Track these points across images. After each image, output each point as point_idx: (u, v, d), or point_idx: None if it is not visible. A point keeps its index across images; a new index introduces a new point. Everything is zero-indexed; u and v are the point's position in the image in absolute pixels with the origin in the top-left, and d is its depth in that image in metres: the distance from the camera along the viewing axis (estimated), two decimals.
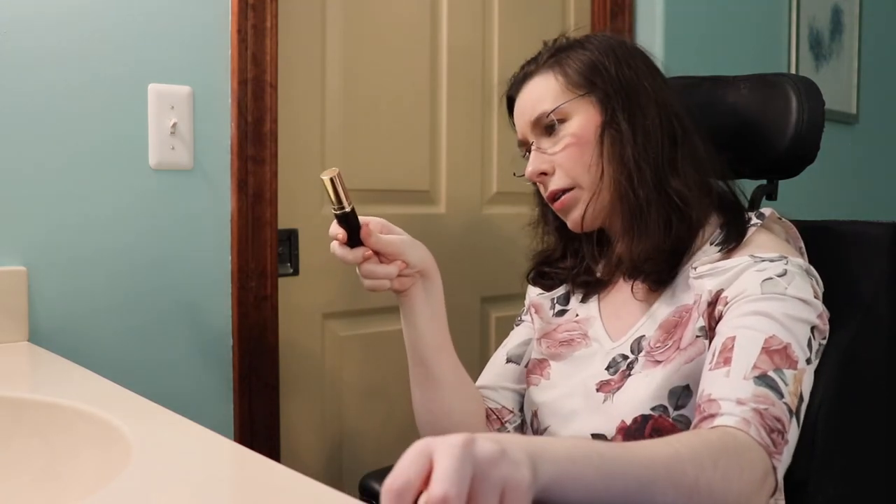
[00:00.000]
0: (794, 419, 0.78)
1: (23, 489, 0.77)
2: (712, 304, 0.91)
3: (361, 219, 0.95)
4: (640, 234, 0.97)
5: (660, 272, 0.97)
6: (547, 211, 1.09)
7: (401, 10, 1.64)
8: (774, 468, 0.75)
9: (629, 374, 0.95)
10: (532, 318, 1.14)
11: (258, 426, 1.40)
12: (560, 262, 1.11)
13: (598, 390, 0.97)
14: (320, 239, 1.47)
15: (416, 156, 1.68)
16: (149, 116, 1.27)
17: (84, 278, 1.23)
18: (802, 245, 1.01)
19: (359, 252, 0.95)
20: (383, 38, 1.61)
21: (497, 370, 1.14)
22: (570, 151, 0.99)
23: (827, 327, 0.89)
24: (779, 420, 0.77)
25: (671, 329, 0.95)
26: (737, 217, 0.99)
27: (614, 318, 1.03)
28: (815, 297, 0.88)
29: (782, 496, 0.94)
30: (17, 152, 1.17)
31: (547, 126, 1.01)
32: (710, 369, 0.83)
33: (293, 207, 1.48)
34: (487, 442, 0.52)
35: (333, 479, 1.56)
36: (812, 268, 0.92)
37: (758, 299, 0.86)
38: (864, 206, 2.65)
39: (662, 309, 0.97)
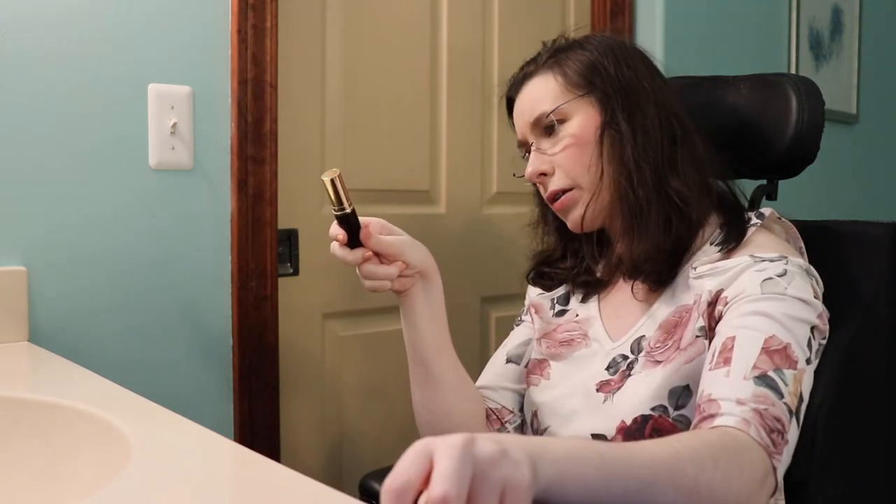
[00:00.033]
0: (793, 419, 0.78)
1: (23, 489, 0.77)
2: (712, 304, 0.91)
3: (362, 219, 0.95)
4: (640, 234, 0.97)
5: (660, 272, 0.97)
6: (547, 211, 1.09)
7: (401, 10, 1.64)
8: (774, 468, 0.75)
9: (629, 375, 0.95)
10: (532, 319, 1.14)
11: (258, 426, 1.40)
12: (560, 262, 1.11)
13: (598, 390, 0.97)
14: (320, 239, 1.47)
15: (416, 156, 1.68)
16: (149, 116, 1.27)
17: (84, 278, 1.23)
18: (802, 245, 1.01)
19: (359, 253, 0.95)
20: (383, 38, 1.61)
21: (497, 370, 1.14)
22: (569, 152, 0.99)
23: (827, 327, 0.89)
24: (779, 420, 0.77)
25: (671, 329, 0.95)
26: (737, 217, 0.99)
27: (614, 319, 1.03)
28: (815, 297, 0.88)
29: (782, 496, 0.94)
30: (17, 152, 1.17)
31: (546, 126, 1.01)
32: (709, 369, 0.83)
33: (293, 207, 1.48)
34: (488, 442, 0.52)
35: (333, 479, 1.56)
36: (812, 268, 0.92)
37: (758, 299, 0.86)
38: (864, 206, 2.65)
39: (662, 309, 0.97)
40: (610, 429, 0.94)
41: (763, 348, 0.81)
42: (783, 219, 1.02)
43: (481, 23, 1.77)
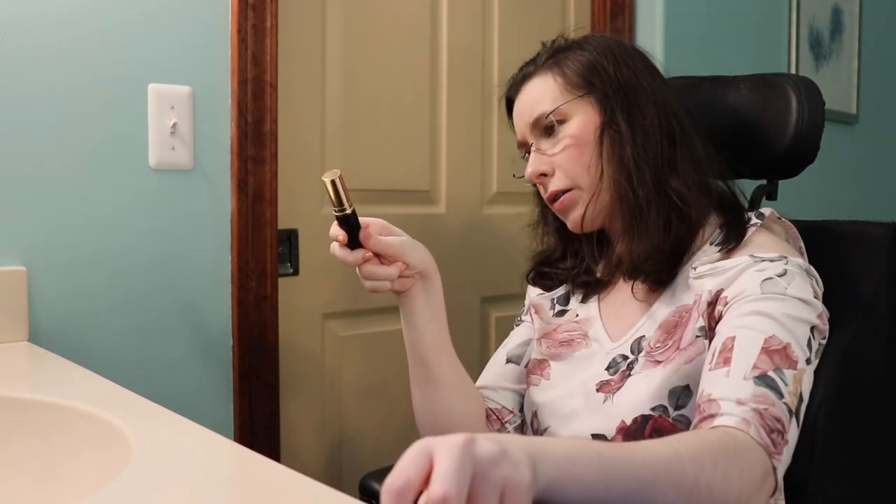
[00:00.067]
0: (793, 419, 0.78)
1: (23, 489, 0.77)
2: (712, 304, 0.91)
3: (362, 220, 0.95)
4: (639, 234, 0.97)
5: (660, 272, 0.97)
6: (547, 212, 1.09)
7: (401, 10, 1.64)
8: (774, 468, 0.75)
9: (629, 375, 0.95)
10: (532, 319, 1.14)
11: (258, 426, 1.40)
12: (560, 262, 1.11)
13: (598, 390, 0.97)
14: (320, 239, 1.47)
15: (416, 156, 1.68)
16: (149, 116, 1.27)
17: (84, 278, 1.23)
18: (802, 245, 1.01)
19: (359, 254, 0.95)
20: (383, 38, 1.61)
21: (497, 370, 1.14)
22: (569, 152, 0.99)
23: (827, 327, 0.89)
24: (779, 420, 0.77)
25: (671, 329, 0.95)
26: (736, 217, 0.99)
27: (614, 319, 1.03)
28: (815, 297, 0.88)
29: (782, 496, 0.94)
30: (18, 152, 1.17)
31: (546, 127, 1.01)
32: (709, 369, 0.83)
33: (293, 207, 1.48)
34: (488, 442, 0.52)
35: (333, 479, 1.56)
36: (812, 268, 0.92)
37: (758, 299, 0.86)
38: (864, 206, 2.65)
39: (662, 309, 0.97)
40: (610, 429, 0.94)
41: (763, 348, 0.81)
42: (783, 219, 1.02)
43: (481, 23, 1.77)
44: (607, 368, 0.98)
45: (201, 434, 0.73)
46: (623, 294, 1.03)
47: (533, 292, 1.16)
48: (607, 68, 1.00)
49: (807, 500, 1.03)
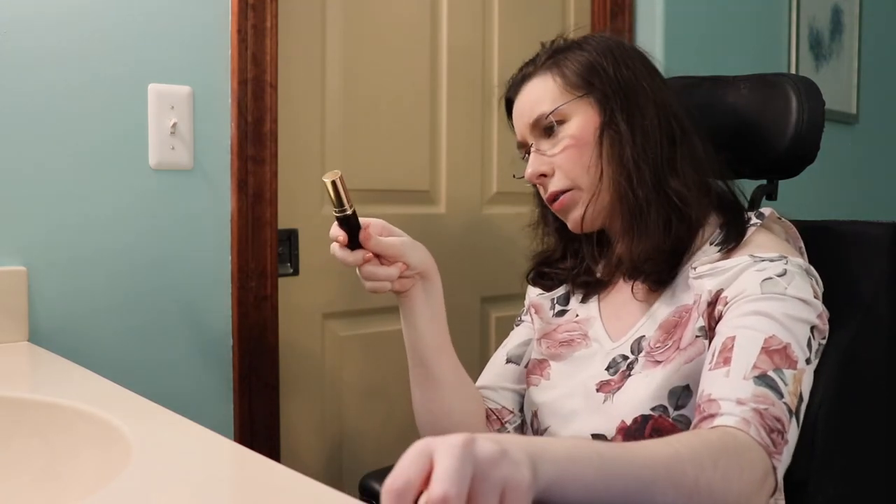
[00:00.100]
0: (793, 419, 0.78)
1: (23, 489, 0.77)
2: (712, 304, 0.91)
3: (362, 220, 0.95)
4: (639, 234, 0.97)
5: (660, 272, 0.97)
6: (547, 212, 1.09)
7: (401, 10, 1.64)
8: (774, 468, 0.75)
9: (629, 375, 0.95)
10: (532, 319, 1.14)
11: (258, 426, 1.40)
12: (560, 262, 1.11)
13: (598, 390, 0.97)
14: (320, 239, 1.47)
15: (416, 156, 1.68)
16: (149, 116, 1.27)
17: (84, 278, 1.23)
18: (802, 245, 1.01)
19: (359, 254, 0.95)
20: (383, 38, 1.61)
21: (497, 370, 1.14)
22: (569, 153, 0.99)
23: (827, 327, 0.89)
24: (779, 420, 0.77)
25: (671, 329, 0.95)
26: (736, 217, 0.99)
27: (614, 319, 1.03)
28: (815, 297, 0.88)
29: (782, 496, 0.94)
30: (18, 152, 1.17)
31: (546, 128, 1.01)
32: (709, 369, 0.83)
33: (293, 207, 1.48)
34: (488, 442, 0.52)
35: (333, 479, 1.56)
36: (812, 268, 0.92)
37: (757, 299, 0.86)
38: (864, 206, 2.65)
39: (662, 309, 0.97)
40: (610, 429, 0.94)
41: (763, 348, 0.81)
42: (783, 219, 1.02)
43: (481, 23, 1.77)
44: (607, 368, 0.98)
45: (201, 434, 0.73)
46: (623, 294, 1.03)
47: (533, 292, 1.16)
48: (607, 68, 1.00)
49: (807, 500, 1.03)
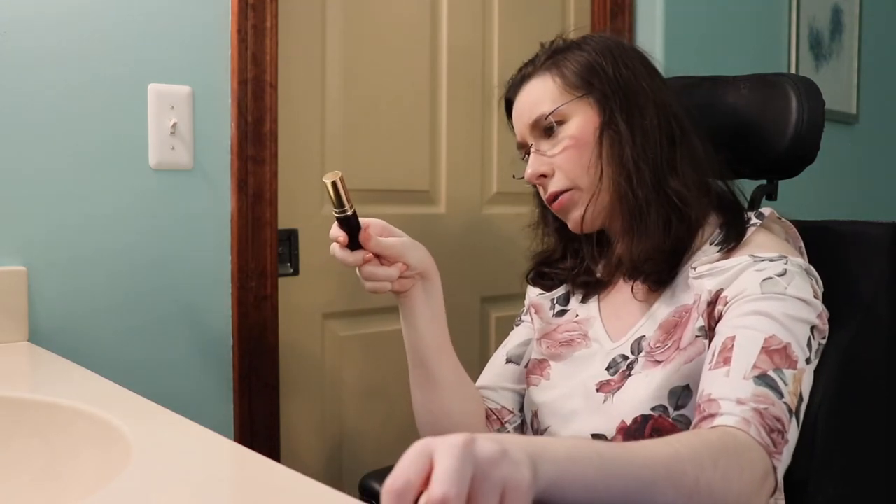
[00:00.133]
0: (793, 419, 0.78)
1: (23, 489, 0.77)
2: (712, 303, 0.91)
3: (362, 221, 0.95)
4: (639, 234, 0.97)
5: (660, 272, 0.97)
6: (546, 212, 1.09)
7: (401, 10, 1.64)
8: (774, 468, 0.75)
9: (629, 375, 0.95)
10: (532, 319, 1.14)
11: (258, 426, 1.40)
12: (560, 262, 1.11)
13: (598, 390, 0.97)
14: (320, 239, 1.47)
15: (416, 156, 1.68)
16: (149, 116, 1.27)
17: (84, 278, 1.23)
18: (802, 245, 1.01)
19: (359, 255, 0.95)
20: (383, 38, 1.61)
21: (497, 370, 1.14)
22: (569, 153, 0.99)
23: (826, 327, 0.89)
24: (779, 420, 0.77)
25: (671, 329, 0.95)
26: (736, 217, 0.99)
27: (614, 319, 1.03)
28: (815, 297, 0.88)
29: (782, 496, 0.94)
30: (18, 152, 1.17)
31: (546, 128, 1.01)
32: (709, 369, 0.83)
33: (293, 207, 1.48)
34: (488, 442, 0.52)
35: (333, 479, 1.56)
36: (812, 267, 0.92)
37: (757, 299, 0.86)
38: (864, 206, 2.65)
39: (662, 309, 0.97)
40: (610, 429, 0.94)
41: (763, 348, 0.81)
42: (783, 219, 1.02)
43: (481, 23, 1.77)
44: (607, 368, 0.98)
45: (201, 434, 0.73)
46: (623, 294, 1.03)
47: (533, 292, 1.16)
48: (606, 69, 1.00)
49: (807, 500, 1.03)
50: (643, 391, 0.92)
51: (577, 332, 1.06)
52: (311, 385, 1.53)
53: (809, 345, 0.84)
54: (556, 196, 1.01)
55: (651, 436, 0.90)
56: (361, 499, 1.18)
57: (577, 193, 1.00)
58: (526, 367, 1.12)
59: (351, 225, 0.94)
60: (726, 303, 0.89)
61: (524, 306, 1.17)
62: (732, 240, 0.96)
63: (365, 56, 1.58)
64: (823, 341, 0.89)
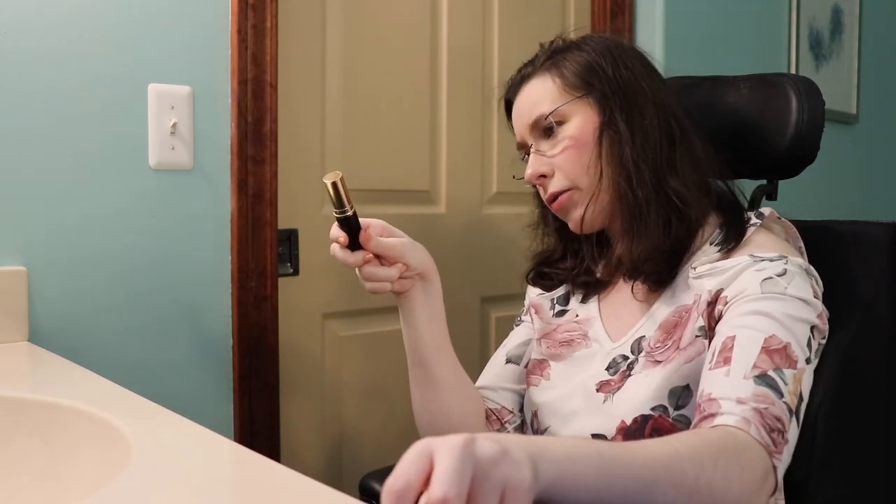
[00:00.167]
0: (793, 419, 0.78)
1: (23, 489, 0.77)
2: (712, 303, 0.91)
3: (362, 221, 0.95)
4: (639, 234, 0.97)
5: (660, 272, 0.97)
6: (547, 212, 1.09)
7: (401, 10, 1.64)
8: (775, 467, 0.75)
9: (629, 375, 0.95)
10: (532, 319, 1.14)
11: (258, 426, 1.40)
12: (560, 262, 1.11)
13: (598, 390, 0.97)
14: (320, 239, 1.47)
15: (416, 156, 1.68)
16: (149, 116, 1.27)
17: (84, 278, 1.23)
18: (802, 245, 1.01)
19: (359, 255, 0.95)
20: (383, 38, 1.61)
21: (497, 370, 1.14)
22: (568, 154, 0.99)
23: (826, 327, 0.89)
24: (779, 419, 0.77)
25: (671, 329, 0.95)
26: (736, 217, 0.99)
27: (614, 319, 1.03)
28: (815, 297, 0.88)
29: (782, 496, 0.94)
30: (17, 152, 1.17)
31: (545, 128, 1.01)
32: (709, 369, 0.83)
33: (293, 207, 1.48)
34: (488, 442, 0.52)
35: (333, 479, 1.56)
36: (812, 267, 0.92)
37: (757, 299, 0.86)
38: (864, 206, 2.65)
39: (662, 309, 0.97)
40: (610, 429, 0.94)
41: (763, 348, 0.81)
42: (783, 219, 1.02)
43: (481, 23, 1.77)
44: (607, 368, 0.98)
45: (201, 434, 0.73)
46: (623, 294, 1.03)
47: (533, 292, 1.16)
48: (606, 69, 1.00)
49: (807, 499, 1.03)
50: (643, 391, 0.92)
51: (577, 332, 1.06)
52: (311, 385, 1.53)
53: (809, 345, 0.84)
54: (555, 196, 1.01)
55: (651, 436, 0.90)
56: (361, 499, 1.18)
57: (576, 193, 1.00)
58: (526, 367, 1.12)
59: (351, 225, 0.94)
60: (726, 303, 0.89)
61: (524, 306, 1.17)
62: (732, 240, 0.96)
63: (365, 56, 1.58)
64: (823, 341, 0.89)
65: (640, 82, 1.00)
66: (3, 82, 1.15)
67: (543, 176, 1.01)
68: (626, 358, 0.97)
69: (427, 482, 0.50)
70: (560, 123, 1.00)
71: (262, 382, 1.41)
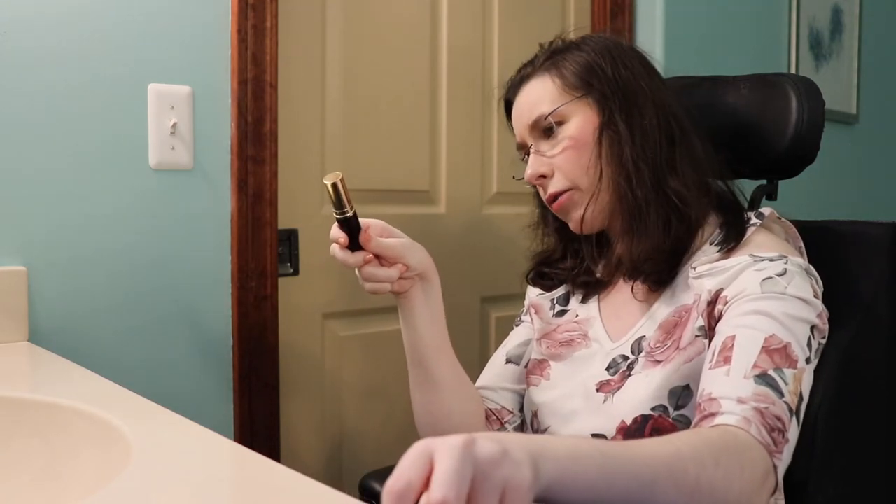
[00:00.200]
0: (794, 418, 0.78)
1: (23, 489, 0.77)
2: (712, 303, 0.91)
3: (362, 222, 0.95)
4: (639, 234, 0.97)
5: (660, 272, 0.97)
6: (547, 212, 1.09)
7: (401, 10, 1.64)
8: (775, 467, 0.75)
9: (629, 375, 0.95)
10: (532, 319, 1.14)
11: (258, 426, 1.40)
12: (560, 262, 1.11)
13: (598, 390, 0.97)
14: (320, 239, 1.47)
15: (416, 156, 1.68)
16: (149, 116, 1.27)
17: (84, 278, 1.23)
18: (802, 245, 1.01)
19: (359, 256, 0.95)
20: (383, 38, 1.61)
21: (496, 371, 1.14)
22: (568, 154, 0.99)
23: (826, 327, 0.89)
24: (779, 419, 0.77)
25: (671, 329, 0.95)
26: (736, 217, 0.99)
27: (614, 319, 1.03)
28: (815, 297, 0.88)
29: (782, 496, 0.94)
30: (18, 152, 1.17)
31: (545, 129, 1.01)
32: (710, 368, 0.83)
33: (293, 207, 1.48)
34: (488, 442, 0.52)
35: (333, 479, 1.56)
36: (811, 267, 0.92)
37: (757, 298, 0.86)
38: (864, 206, 2.65)
39: (662, 309, 0.97)
40: (610, 429, 0.94)
41: (763, 347, 0.81)
42: (783, 219, 1.02)
43: (481, 23, 1.77)
44: (607, 369, 0.98)
45: (201, 434, 0.73)
46: (623, 294, 1.03)
47: (533, 292, 1.16)
48: (605, 69, 1.00)
49: (807, 499, 1.03)
50: (643, 391, 0.92)
51: (577, 332, 1.06)
52: (311, 385, 1.53)
53: (809, 344, 0.84)
54: (555, 196, 1.01)
55: (651, 436, 0.90)
56: (361, 499, 1.18)
57: (576, 194, 1.00)
58: (526, 367, 1.12)
59: (351, 226, 0.94)
60: (726, 302, 0.89)
61: (524, 306, 1.17)
62: (732, 240, 0.96)
63: (365, 56, 1.58)
64: (823, 341, 0.89)
65: (639, 82, 1.00)
66: (3, 82, 1.15)
67: (543, 176, 1.01)
68: (626, 358, 0.97)
69: (427, 483, 0.50)
70: (560, 124, 1.00)
71: (262, 382, 1.41)
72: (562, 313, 1.10)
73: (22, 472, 0.78)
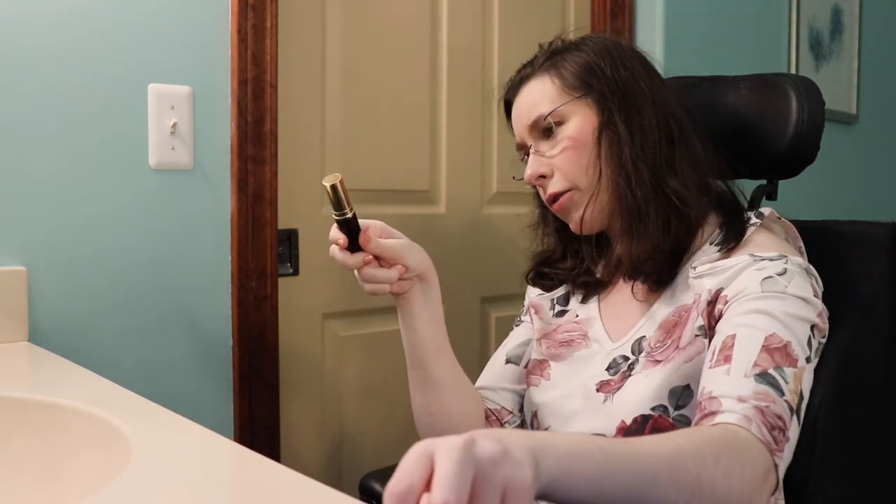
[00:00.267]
0: (794, 417, 0.78)
1: (23, 489, 0.77)
2: (712, 303, 0.91)
3: (361, 223, 0.95)
4: (639, 234, 0.97)
5: (659, 272, 0.97)
6: (546, 213, 1.09)
7: (401, 10, 1.64)
8: (776, 465, 0.75)
9: (629, 375, 0.95)
10: (532, 319, 1.14)
11: (258, 426, 1.40)
12: (560, 262, 1.11)
13: (598, 391, 0.97)
14: (320, 239, 1.47)
15: (416, 156, 1.68)
16: (149, 116, 1.27)
17: (84, 278, 1.23)
18: (802, 244, 1.01)
19: (359, 257, 0.95)
20: (383, 38, 1.61)
21: (496, 371, 1.14)
22: (567, 154, 0.99)
23: (827, 326, 0.89)
24: (780, 417, 0.77)
25: (671, 329, 0.95)
26: (736, 216, 0.99)
27: (614, 319, 1.03)
28: (815, 296, 0.88)
29: (782, 496, 0.94)
30: (17, 152, 1.17)
31: (545, 129, 1.01)
32: (710, 367, 0.83)
33: (293, 207, 1.48)
34: (489, 442, 0.52)
35: (333, 479, 1.56)
36: (811, 267, 0.92)
37: (758, 297, 0.86)
38: (864, 206, 2.65)
39: (662, 309, 0.97)
40: (610, 429, 0.94)
41: (763, 346, 0.81)
42: (783, 219, 1.02)
43: (481, 23, 1.77)
44: (608, 369, 0.98)
45: (201, 434, 0.73)
46: (623, 294, 1.03)
47: (533, 292, 1.16)
48: (604, 69, 1.00)
49: (807, 499, 1.03)
50: (643, 391, 0.92)
51: (577, 332, 1.06)
52: (311, 385, 1.53)
53: (810, 343, 0.84)
54: (555, 197, 1.01)
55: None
56: (361, 499, 1.18)
57: (576, 194, 1.00)
58: (525, 367, 1.12)
59: (351, 227, 0.94)
60: (726, 302, 0.89)
61: (524, 306, 1.17)
62: (732, 239, 0.96)
63: (365, 56, 1.58)
64: (823, 340, 0.89)
65: (638, 82, 1.00)
66: (3, 82, 1.15)
67: (543, 176, 1.01)
68: (626, 358, 0.97)
69: (429, 485, 0.50)
70: (559, 124, 1.00)
71: (262, 382, 1.41)
72: (562, 313, 1.10)
73: (22, 472, 0.78)
